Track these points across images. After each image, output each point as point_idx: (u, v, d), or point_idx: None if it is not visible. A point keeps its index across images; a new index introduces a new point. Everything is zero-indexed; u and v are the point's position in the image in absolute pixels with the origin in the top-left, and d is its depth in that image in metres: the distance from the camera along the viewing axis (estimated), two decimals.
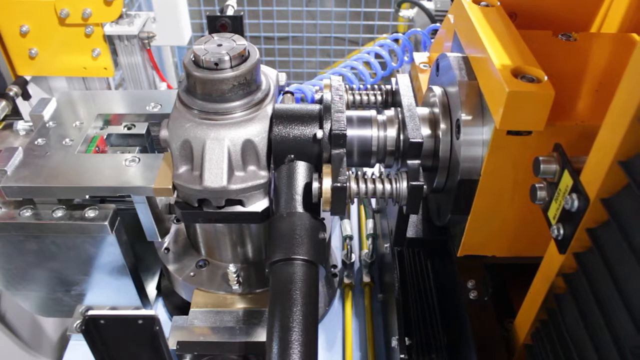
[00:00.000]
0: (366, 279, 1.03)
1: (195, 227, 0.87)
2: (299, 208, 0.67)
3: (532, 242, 0.66)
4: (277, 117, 0.72)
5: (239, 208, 0.75)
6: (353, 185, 0.66)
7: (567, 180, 0.49)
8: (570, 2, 0.73)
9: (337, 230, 1.13)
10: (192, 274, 0.88)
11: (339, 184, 0.64)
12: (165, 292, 1.06)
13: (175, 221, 0.96)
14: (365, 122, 0.72)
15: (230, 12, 1.20)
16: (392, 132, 0.71)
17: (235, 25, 1.11)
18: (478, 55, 0.64)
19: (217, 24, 1.11)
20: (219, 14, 1.18)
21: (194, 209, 0.75)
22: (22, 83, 1.30)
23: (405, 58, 1.15)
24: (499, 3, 0.71)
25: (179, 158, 0.73)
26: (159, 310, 1.04)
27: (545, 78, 0.55)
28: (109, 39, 1.31)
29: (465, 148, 0.65)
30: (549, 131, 0.57)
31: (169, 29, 1.38)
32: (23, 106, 1.27)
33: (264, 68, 0.80)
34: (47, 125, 0.88)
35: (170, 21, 1.37)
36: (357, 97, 0.80)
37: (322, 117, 0.71)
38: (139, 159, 0.79)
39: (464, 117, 0.64)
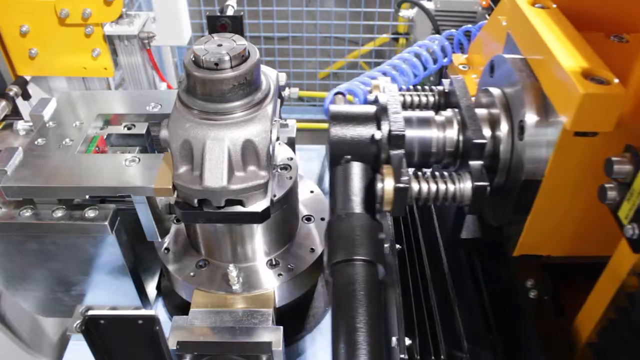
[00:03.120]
0: None
1: (195, 227, 0.87)
2: (357, 209, 0.67)
3: (590, 242, 0.67)
4: (334, 119, 0.71)
5: (239, 208, 0.75)
6: (414, 185, 0.66)
7: None
8: (622, 4, 0.73)
9: None
10: (192, 274, 0.88)
11: (401, 185, 0.64)
12: (165, 292, 1.06)
13: (175, 221, 0.96)
14: (425, 122, 0.72)
15: (230, 12, 1.20)
16: (451, 133, 0.71)
17: (235, 25, 1.11)
18: (541, 57, 0.65)
19: (217, 24, 1.11)
20: (219, 14, 1.18)
21: (194, 209, 0.75)
22: (22, 83, 1.30)
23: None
24: (554, 5, 0.71)
25: (179, 158, 0.73)
26: (159, 310, 1.04)
27: (616, 80, 0.56)
28: (109, 39, 1.31)
29: (530, 149, 0.65)
30: (615, 132, 0.57)
31: (169, 29, 1.38)
32: (23, 106, 1.27)
33: (264, 68, 0.80)
34: (47, 125, 0.88)
35: (170, 21, 1.37)
36: (409, 98, 0.80)
37: (378, 118, 0.71)
38: (139, 159, 0.79)
39: (529, 118, 0.65)
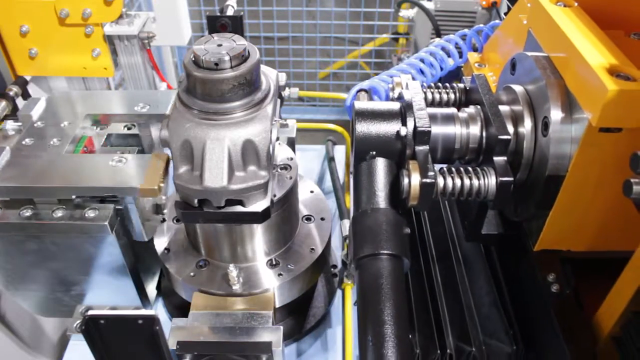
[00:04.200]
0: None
1: (195, 227, 0.87)
2: (382, 204, 0.68)
3: (611, 237, 0.68)
4: (359, 115, 0.72)
5: (239, 208, 0.75)
6: (440, 181, 0.67)
7: None
8: None
9: (337, 230, 1.13)
10: (192, 274, 0.88)
11: (428, 180, 0.65)
12: (165, 292, 1.06)
13: (175, 221, 0.96)
14: (449, 119, 0.73)
15: (230, 12, 1.19)
16: (475, 129, 0.72)
17: (235, 25, 1.11)
18: (565, 55, 0.66)
19: (217, 24, 1.11)
20: (219, 14, 1.18)
21: (194, 209, 0.75)
22: (22, 83, 1.30)
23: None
24: (576, 4, 0.72)
25: (179, 158, 0.73)
26: (159, 310, 1.04)
27: None
28: (109, 39, 1.31)
29: (554, 145, 0.66)
30: (639, 128, 0.59)
31: (169, 29, 1.38)
32: None
33: (264, 68, 0.80)
34: (36, 125, 0.87)
35: (170, 21, 1.37)
36: (430, 95, 0.81)
37: (403, 115, 0.71)
38: (126, 160, 0.79)
39: (553, 114, 0.66)
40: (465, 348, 0.78)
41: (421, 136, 0.68)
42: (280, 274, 0.88)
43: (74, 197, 0.80)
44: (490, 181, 0.67)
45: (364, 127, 0.71)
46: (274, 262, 0.90)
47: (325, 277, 1.09)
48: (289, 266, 0.89)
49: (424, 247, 0.92)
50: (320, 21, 2.22)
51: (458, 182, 0.67)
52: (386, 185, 0.69)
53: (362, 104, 0.74)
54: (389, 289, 0.60)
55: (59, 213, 0.80)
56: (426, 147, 0.69)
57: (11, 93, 1.23)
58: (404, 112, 0.72)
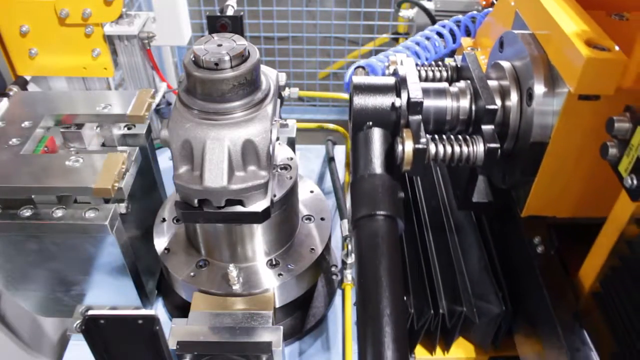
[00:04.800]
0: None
1: (195, 227, 0.87)
2: (378, 170, 0.72)
3: (594, 204, 0.73)
4: (357, 88, 0.77)
5: (239, 208, 0.75)
6: (432, 147, 0.72)
7: None
8: None
9: (337, 230, 1.13)
10: (192, 274, 0.88)
11: (420, 146, 0.70)
12: (165, 292, 1.06)
13: (175, 221, 0.96)
14: (440, 93, 0.78)
15: (230, 12, 1.19)
16: (464, 102, 0.77)
17: (235, 25, 1.11)
18: (547, 31, 0.72)
19: (217, 24, 1.11)
20: (219, 14, 1.17)
21: (194, 209, 0.75)
22: (22, 83, 1.30)
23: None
24: None
25: (179, 158, 0.73)
26: (159, 310, 1.04)
27: (616, 47, 0.62)
28: (109, 39, 1.31)
29: (538, 115, 0.72)
30: (615, 96, 0.64)
31: (169, 29, 1.37)
32: None
33: (264, 68, 0.80)
34: None
35: (170, 21, 1.37)
36: (424, 73, 0.86)
37: (398, 87, 0.76)
38: (82, 159, 0.80)
39: (537, 85, 0.71)
40: (456, 309, 0.83)
41: (414, 107, 0.73)
42: (280, 274, 0.88)
43: (32, 196, 0.80)
44: (479, 148, 0.72)
45: (361, 100, 0.76)
46: (274, 262, 0.90)
47: (325, 277, 1.09)
48: (289, 266, 0.89)
49: (418, 217, 0.99)
50: (320, 21, 2.21)
51: (449, 148, 0.72)
52: (382, 153, 0.74)
53: (360, 78, 0.79)
54: (384, 246, 0.65)
55: (59, 213, 0.80)
56: (419, 117, 0.73)
57: (11, 93, 1.22)
58: (399, 85, 0.76)
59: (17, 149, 0.81)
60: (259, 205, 0.76)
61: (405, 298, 0.78)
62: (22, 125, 0.86)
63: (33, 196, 0.80)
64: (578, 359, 0.67)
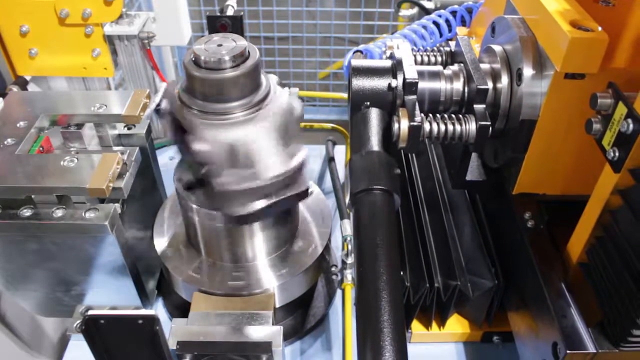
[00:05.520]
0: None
1: (196, 227, 0.87)
2: (376, 147, 0.76)
3: (582, 182, 0.75)
4: (355, 71, 0.80)
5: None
6: (426, 125, 0.76)
7: (621, 110, 0.60)
8: None
9: (337, 230, 1.13)
10: (192, 274, 0.88)
11: (415, 123, 0.74)
12: (165, 292, 1.06)
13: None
14: (435, 75, 0.82)
15: (230, 12, 1.19)
16: (458, 84, 0.81)
17: (235, 25, 1.11)
18: (536, 15, 0.76)
19: (217, 24, 1.11)
20: (219, 14, 1.18)
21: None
22: (22, 83, 1.30)
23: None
24: None
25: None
26: (159, 310, 1.04)
27: (599, 28, 0.66)
28: (109, 39, 1.31)
29: (527, 92, 0.75)
30: (600, 75, 0.67)
31: (169, 29, 1.38)
32: None
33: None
34: None
35: (170, 21, 1.37)
36: (419, 58, 0.90)
37: (394, 70, 0.80)
38: (77, 159, 0.79)
39: (526, 66, 0.75)
40: (451, 283, 0.87)
41: (409, 87, 0.77)
42: (280, 274, 0.88)
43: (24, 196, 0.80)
44: (471, 126, 0.75)
45: (359, 81, 0.80)
46: (274, 262, 0.90)
47: (325, 277, 1.09)
48: (289, 266, 0.89)
49: (415, 196, 1.03)
50: (320, 21, 2.21)
51: (442, 126, 0.76)
52: (379, 131, 0.78)
53: (358, 61, 0.83)
54: (382, 219, 0.67)
55: (59, 213, 0.80)
56: (414, 97, 0.77)
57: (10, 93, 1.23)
58: (395, 67, 0.80)
59: (12, 149, 0.81)
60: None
61: (402, 273, 0.81)
62: (18, 125, 0.86)
63: (33, 196, 0.80)
64: (565, 325, 0.69)
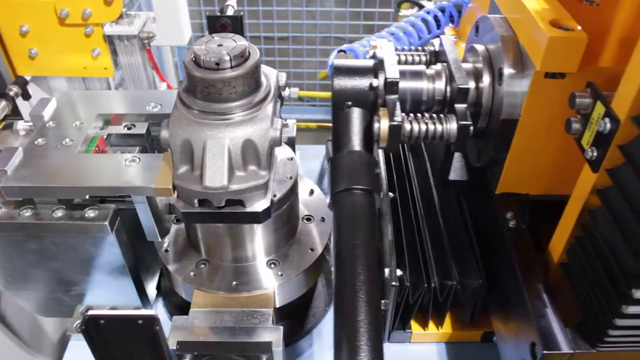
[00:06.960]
0: None
1: (195, 227, 0.87)
2: (357, 147, 0.76)
3: (564, 181, 0.74)
4: (337, 70, 0.81)
5: (239, 208, 0.75)
6: (407, 125, 0.76)
7: (599, 109, 0.60)
8: None
9: None
10: (192, 274, 0.88)
11: (395, 123, 0.73)
12: (165, 292, 1.06)
13: (175, 221, 0.96)
14: (417, 75, 0.82)
15: (230, 12, 1.19)
16: (440, 84, 0.81)
17: (235, 25, 1.11)
18: (518, 14, 0.76)
19: (217, 24, 1.11)
20: (219, 14, 1.18)
21: (194, 209, 0.75)
22: (22, 83, 1.30)
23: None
24: None
25: (179, 158, 0.73)
26: (159, 310, 1.04)
27: (579, 27, 0.67)
28: (109, 39, 1.31)
29: (508, 92, 0.75)
30: (580, 74, 0.68)
31: (169, 29, 1.38)
32: (23, 106, 1.27)
33: (264, 68, 0.80)
34: (47, 125, 0.88)
35: (170, 21, 1.37)
36: (403, 58, 0.90)
37: (376, 70, 0.80)
38: (139, 159, 0.79)
39: (507, 65, 0.75)
40: (447, 283, 0.88)
41: (390, 86, 0.76)
42: (280, 274, 0.88)
43: (87, 197, 0.80)
44: (452, 126, 0.75)
45: (341, 81, 0.80)
46: (274, 262, 0.90)
47: (325, 277, 1.09)
48: (289, 266, 0.89)
49: (412, 198, 1.03)
50: (320, 21, 2.21)
51: (423, 126, 0.76)
52: (360, 131, 0.78)
53: (340, 61, 0.83)
54: (362, 219, 0.67)
55: (59, 213, 0.80)
56: (395, 97, 0.77)
57: (11, 93, 1.23)
58: (377, 67, 0.80)
59: (71, 149, 0.82)
60: (259, 205, 0.76)
61: (401, 273, 0.83)
62: (74, 125, 0.87)
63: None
64: (542, 326, 0.69)
